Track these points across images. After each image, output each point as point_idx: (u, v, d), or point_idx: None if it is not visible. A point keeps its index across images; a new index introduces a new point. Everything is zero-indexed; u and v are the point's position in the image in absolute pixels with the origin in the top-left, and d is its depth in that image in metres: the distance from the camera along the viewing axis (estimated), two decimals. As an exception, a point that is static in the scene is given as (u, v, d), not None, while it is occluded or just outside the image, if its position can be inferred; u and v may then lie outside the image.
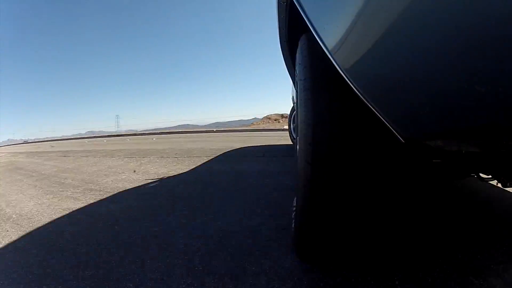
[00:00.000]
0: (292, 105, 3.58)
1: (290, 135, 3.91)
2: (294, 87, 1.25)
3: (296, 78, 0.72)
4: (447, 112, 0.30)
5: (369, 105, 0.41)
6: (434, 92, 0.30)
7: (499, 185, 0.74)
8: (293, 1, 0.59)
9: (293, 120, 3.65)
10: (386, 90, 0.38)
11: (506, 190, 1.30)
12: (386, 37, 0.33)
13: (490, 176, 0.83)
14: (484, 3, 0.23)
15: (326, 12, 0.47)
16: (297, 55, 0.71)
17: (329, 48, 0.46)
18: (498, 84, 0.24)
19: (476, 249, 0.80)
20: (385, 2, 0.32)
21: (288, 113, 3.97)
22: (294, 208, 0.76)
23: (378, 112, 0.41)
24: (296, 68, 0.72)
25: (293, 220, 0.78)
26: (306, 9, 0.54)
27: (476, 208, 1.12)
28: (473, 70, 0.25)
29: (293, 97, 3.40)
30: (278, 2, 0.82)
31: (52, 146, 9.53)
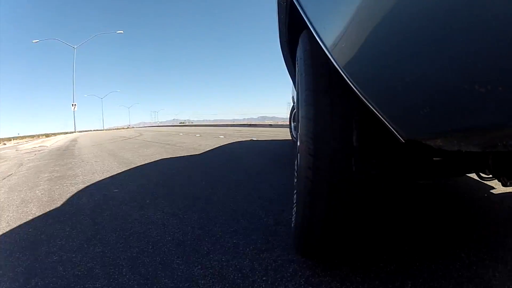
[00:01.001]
0: (292, 104, 3.59)
1: (290, 133, 3.95)
2: (294, 87, 1.25)
3: (297, 77, 0.72)
4: (447, 112, 0.30)
5: (369, 105, 0.41)
6: (434, 92, 0.30)
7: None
8: (293, 1, 0.59)
9: (293, 119, 3.67)
10: (385, 90, 0.38)
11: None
12: (385, 37, 0.33)
13: (490, 176, 0.83)
14: (484, 2, 0.23)
15: (325, 12, 0.47)
16: (298, 53, 0.71)
17: (329, 48, 0.46)
18: (498, 84, 0.24)
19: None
20: (384, 1, 0.32)
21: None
22: (294, 207, 0.76)
23: (378, 112, 0.41)
24: (297, 66, 0.71)
25: (293, 218, 0.78)
26: (305, 9, 0.54)
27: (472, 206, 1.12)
28: (473, 70, 0.25)
29: (293, 97, 3.40)
30: (278, 2, 0.82)
31: (140, 134, 9.48)
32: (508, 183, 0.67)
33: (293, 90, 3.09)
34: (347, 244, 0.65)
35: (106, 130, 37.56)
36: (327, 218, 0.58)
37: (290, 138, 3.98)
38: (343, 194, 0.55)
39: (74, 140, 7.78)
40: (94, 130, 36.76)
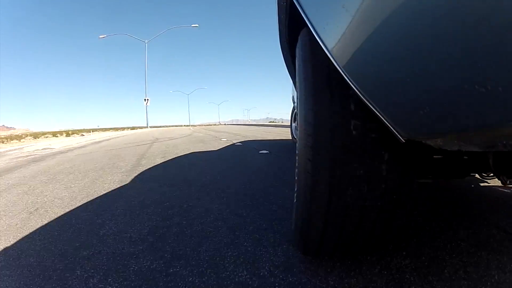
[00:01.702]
0: (293, 105, 3.60)
1: (291, 134, 3.95)
2: (294, 86, 1.25)
3: (297, 75, 0.72)
4: (447, 112, 0.30)
5: (369, 105, 0.42)
6: (434, 91, 0.30)
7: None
8: (293, 1, 0.59)
9: (294, 119, 3.67)
10: (385, 89, 0.38)
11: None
12: (386, 36, 0.33)
13: (491, 175, 0.83)
14: (484, 2, 0.23)
15: (325, 12, 0.48)
16: (297, 51, 0.70)
17: (329, 48, 0.46)
18: (498, 84, 0.24)
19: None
20: (383, 2, 0.32)
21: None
22: (294, 206, 0.76)
23: (377, 112, 0.41)
24: (296, 64, 0.71)
25: (293, 216, 0.78)
26: (305, 8, 0.54)
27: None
28: (473, 70, 0.25)
29: (293, 96, 3.41)
30: (278, 2, 0.82)
31: (190, 134, 8.41)
32: (508, 182, 0.67)
33: (293, 90, 3.09)
34: (348, 242, 0.65)
35: (192, 125, 40.47)
36: (328, 216, 0.58)
37: (293, 138, 3.92)
38: (344, 192, 0.55)
39: (99, 142, 6.51)
40: (184, 126, 38.13)
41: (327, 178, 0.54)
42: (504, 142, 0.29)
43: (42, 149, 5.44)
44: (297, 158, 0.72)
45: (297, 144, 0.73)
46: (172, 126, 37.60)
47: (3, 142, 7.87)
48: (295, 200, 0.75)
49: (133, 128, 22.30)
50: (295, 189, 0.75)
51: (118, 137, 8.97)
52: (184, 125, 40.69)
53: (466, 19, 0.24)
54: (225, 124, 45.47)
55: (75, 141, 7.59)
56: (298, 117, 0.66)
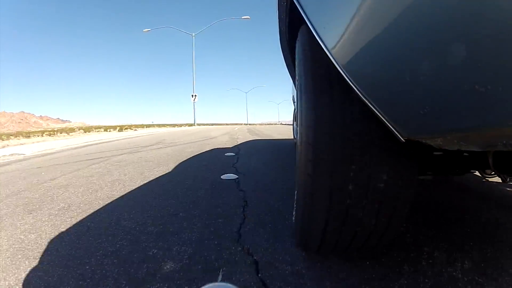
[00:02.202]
0: (294, 105, 3.60)
1: (293, 134, 3.97)
2: (295, 86, 1.25)
3: (297, 72, 0.72)
4: (447, 112, 0.30)
5: (369, 104, 0.42)
6: (434, 91, 0.30)
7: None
8: (293, 1, 0.59)
9: (295, 118, 3.68)
10: (385, 89, 0.38)
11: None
12: (386, 36, 0.33)
13: (492, 173, 0.83)
14: (483, 2, 0.23)
15: (325, 12, 0.47)
16: (297, 48, 0.70)
17: (329, 48, 0.46)
18: (498, 84, 0.24)
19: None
20: (383, 2, 0.32)
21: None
22: (295, 206, 0.76)
23: (378, 112, 0.41)
24: (296, 62, 0.71)
25: (294, 215, 0.78)
26: (305, 8, 0.54)
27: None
28: (473, 70, 0.26)
29: (293, 96, 3.40)
30: (278, 2, 0.82)
31: (222, 134, 6.60)
32: (508, 180, 0.67)
33: (293, 90, 3.09)
34: (348, 240, 0.65)
35: (249, 124, 39.83)
36: (328, 214, 0.58)
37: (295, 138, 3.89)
38: (345, 191, 0.55)
39: (97, 144, 4.94)
40: (243, 124, 37.20)
41: (327, 176, 0.54)
42: (504, 142, 0.29)
43: (10, 154, 3.59)
44: (297, 156, 0.72)
45: (297, 142, 0.73)
46: (225, 124, 36.14)
47: (50, 135, 7.80)
48: (295, 198, 0.75)
49: (190, 125, 22.00)
50: (295, 187, 0.75)
51: (138, 136, 7.61)
52: (244, 123, 40.28)
53: (466, 19, 0.24)
54: (285, 124, 45.11)
55: (92, 138, 6.83)
56: (298, 116, 0.66)
